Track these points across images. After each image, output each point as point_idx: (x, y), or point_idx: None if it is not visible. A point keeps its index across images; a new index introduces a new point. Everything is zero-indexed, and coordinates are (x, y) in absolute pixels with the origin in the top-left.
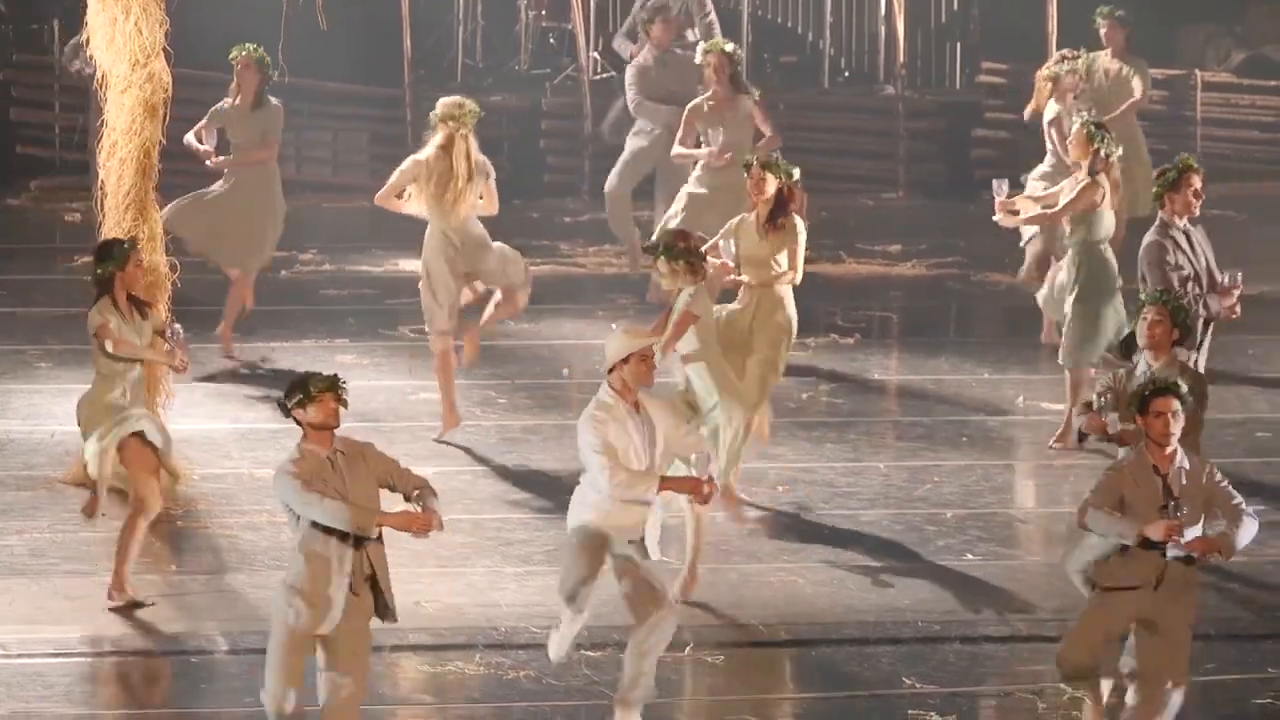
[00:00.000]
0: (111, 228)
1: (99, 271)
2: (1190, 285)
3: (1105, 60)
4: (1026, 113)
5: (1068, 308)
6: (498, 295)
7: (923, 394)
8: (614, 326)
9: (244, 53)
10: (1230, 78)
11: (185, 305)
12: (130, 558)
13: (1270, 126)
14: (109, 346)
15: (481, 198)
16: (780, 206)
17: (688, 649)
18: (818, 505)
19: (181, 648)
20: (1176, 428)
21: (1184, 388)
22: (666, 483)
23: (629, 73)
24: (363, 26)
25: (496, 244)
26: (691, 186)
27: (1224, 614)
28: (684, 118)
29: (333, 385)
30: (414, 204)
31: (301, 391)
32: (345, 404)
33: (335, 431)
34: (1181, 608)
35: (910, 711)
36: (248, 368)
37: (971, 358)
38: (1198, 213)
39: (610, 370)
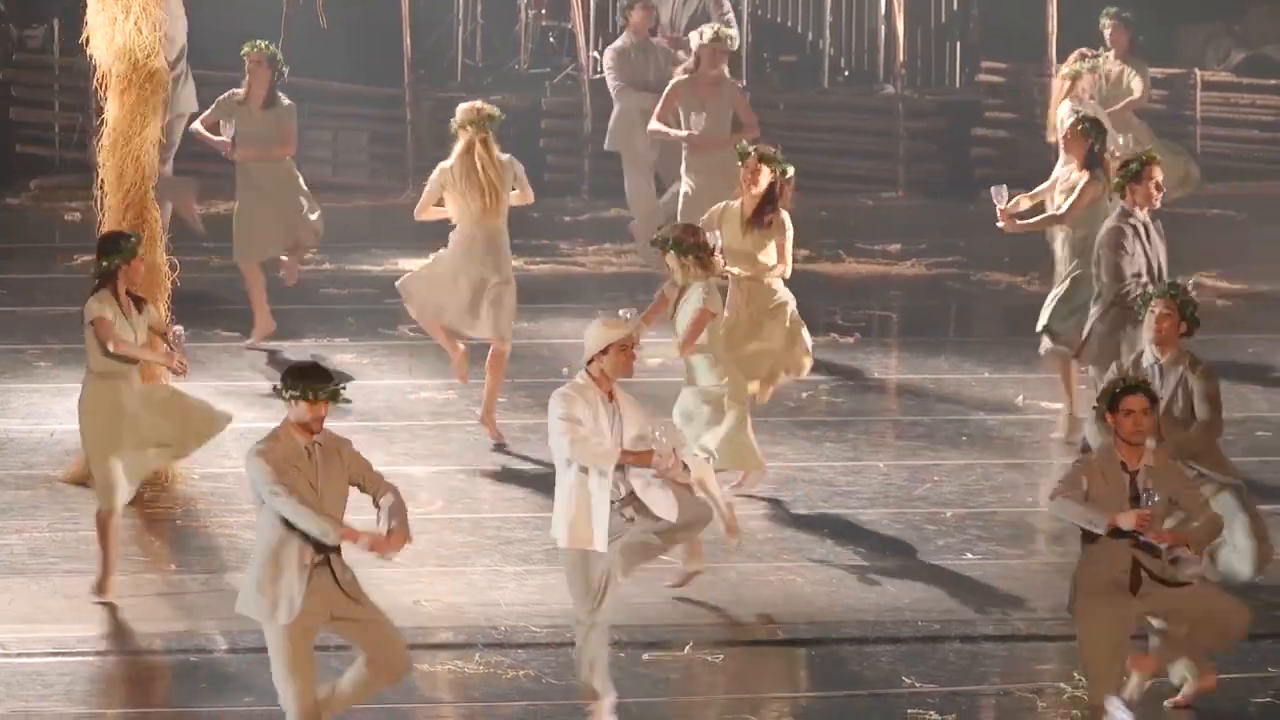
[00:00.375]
0: (111, 228)
1: (104, 264)
2: (1140, 276)
3: (1108, 61)
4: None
5: (1054, 293)
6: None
7: (922, 393)
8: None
9: (255, 50)
10: (1230, 77)
11: (185, 304)
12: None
13: (1270, 126)
14: (110, 346)
15: (515, 190)
16: (769, 202)
17: (687, 648)
18: (817, 504)
19: (181, 647)
20: (1146, 425)
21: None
22: (626, 455)
23: (607, 57)
24: (363, 26)
25: (509, 284)
26: (684, 182)
27: None
28: (665, 94)
29: (334, 396)
30: (450, 207)
31: (300, 388)
32: (337, 401)
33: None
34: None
35: (910, 710)
36: (251, 367)
37: (971, 357)
38: (1158, 204)
39: (589, 361)
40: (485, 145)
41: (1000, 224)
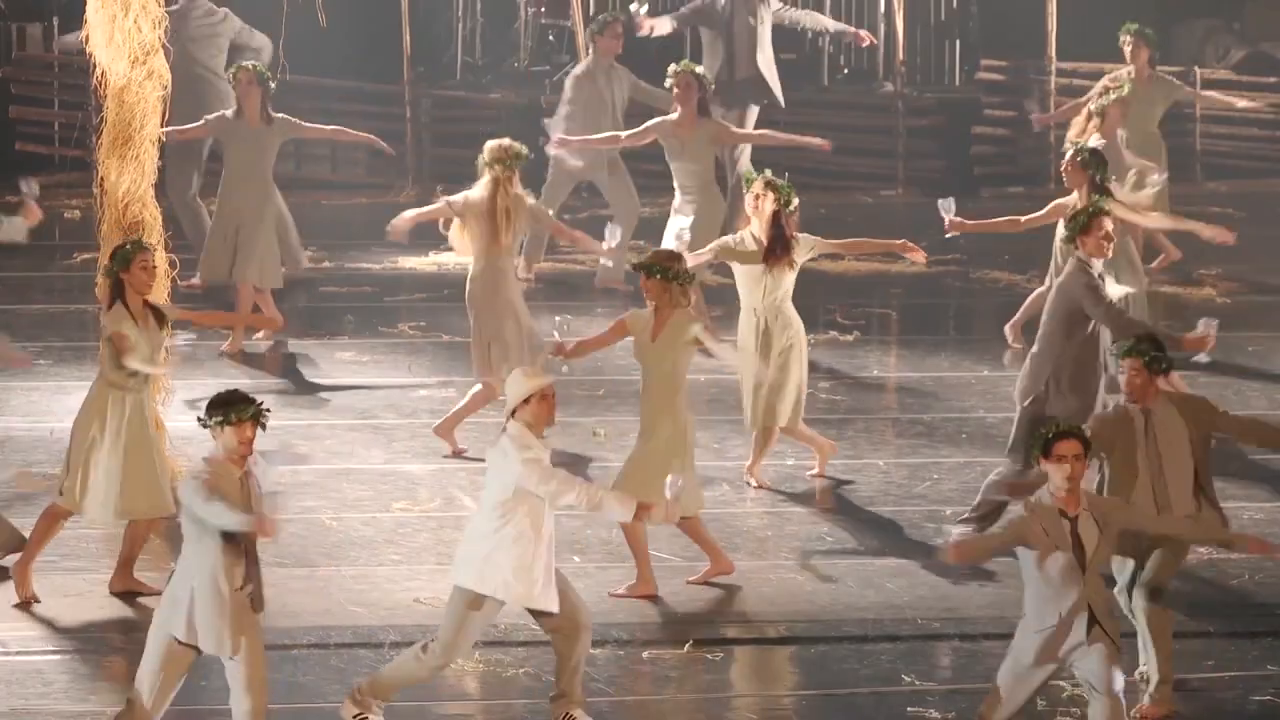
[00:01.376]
0: (110, 226)
1: (109, 276)
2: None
3: (1128, 79)
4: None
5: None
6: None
7: (922, 391)
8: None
9: (243, 71)
10: (1229, 74)
11: (185, 303)
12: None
13: (1269, 124)
14: (125, 360)
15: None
16: (778, 238)
17: (687, 646)
18: (817, 502)
19: None
20: (1078, 471)
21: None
22: (644, 511)
23: (568, 84)
24: (362, 24)
25: (527, 323)
26: (674, 219)
27: (1223, 611)
28: (647, 125)
29: (255, 415)
30: (458, 240)
31: (223, 413)
32: (264, 428)
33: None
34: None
35: (909, 709)
36: (245, 365)
37: (971, 355)
38: (1109, 254)
39: (513, 412)
40: (509, 184)
41: (949, 233)
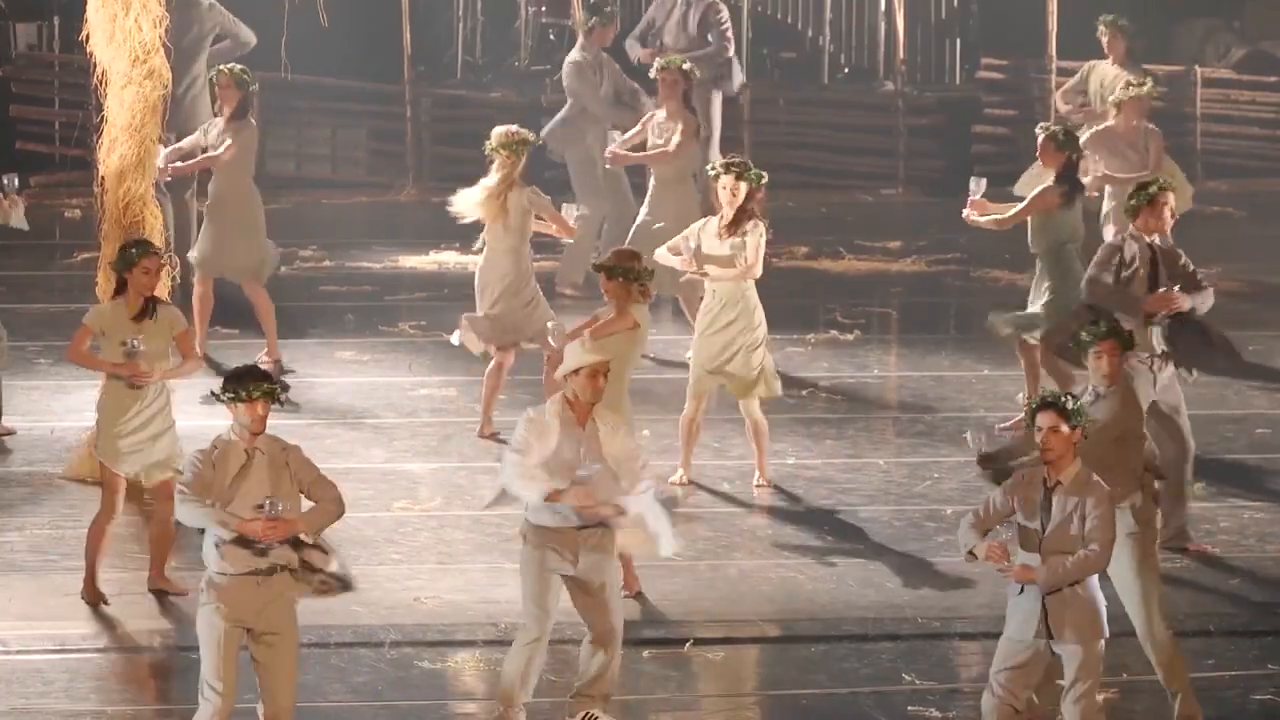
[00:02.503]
0: (110, 225)
1: (115, 271)
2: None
3: (1106, 68)
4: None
5: (1039, 308)
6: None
7: (922, 390)
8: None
9: (222, 74)
10: (1230, 74)
11: (184, 301)
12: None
13: (1270, 123)
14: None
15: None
16: (743, 209)
17: (687, 645)
18: (817, 501)
19: (181, 644)
20: (1055, 443)
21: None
22: (556, 494)
23: (569, 69)
24: (363, 23)
25: (538, 302)
26: (642, 216)
27: (1223, 610)
28: (641, 123)
29: (269, 393)
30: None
31: (234, 390)
32: (281, 402)
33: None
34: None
35: (910, 708)
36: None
37: (971, 354)
38: (1168, 230)
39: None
40: (516, 168)
41: (966, 212)
